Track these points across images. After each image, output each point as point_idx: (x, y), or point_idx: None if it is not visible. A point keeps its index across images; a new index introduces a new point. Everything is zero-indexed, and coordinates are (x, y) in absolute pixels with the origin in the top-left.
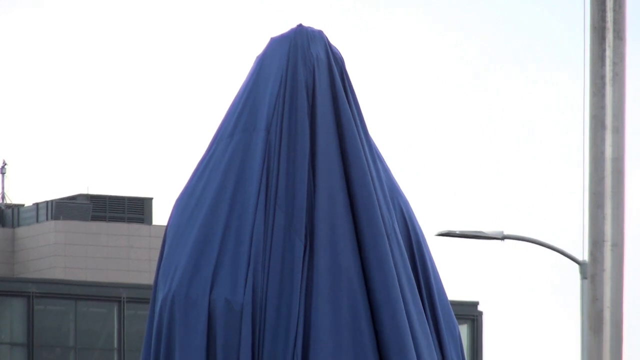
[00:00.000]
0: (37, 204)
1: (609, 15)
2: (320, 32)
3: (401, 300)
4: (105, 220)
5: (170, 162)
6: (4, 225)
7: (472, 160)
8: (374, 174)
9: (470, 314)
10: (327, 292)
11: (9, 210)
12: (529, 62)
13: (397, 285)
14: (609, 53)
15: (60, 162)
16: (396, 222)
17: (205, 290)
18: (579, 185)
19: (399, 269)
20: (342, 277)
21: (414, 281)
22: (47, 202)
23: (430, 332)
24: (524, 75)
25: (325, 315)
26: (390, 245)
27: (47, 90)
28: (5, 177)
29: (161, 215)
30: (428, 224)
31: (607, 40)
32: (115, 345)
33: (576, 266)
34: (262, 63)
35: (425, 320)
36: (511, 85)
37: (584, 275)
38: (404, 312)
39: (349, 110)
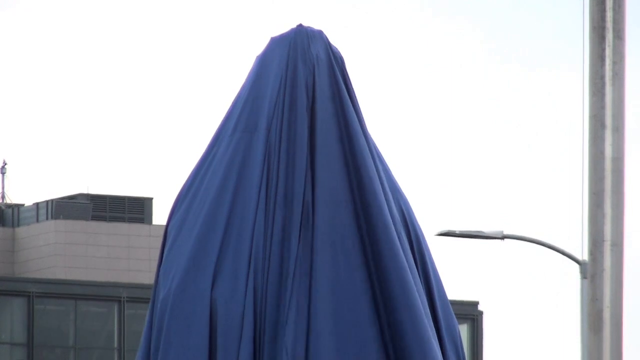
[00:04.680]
0: (37, 204)
1: (609, 15)
2: (320, 32)
3: (418, 297)
4: (105, 220)
5: (170, 162)
6: (4, 225)
7: (472, 160)
8: (377, 172)
9: (470, 313)
10: (329, 292)
11: (9, 210)
12: (529, 61)
13: (412, 281)
14: (608, 53)
15: (60, 162)
16: (400, 221)
17: (206, 289)
18: (579, 185)
19: (411, 265)
20: (343, 275)
21: (419, 279)
22: (47, 201)
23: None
24: (524, 75)
25: (327, 316)
26: (400, 242)
27: (47, 90)
28: (5, 176)
29: (161, 215)
30: (428, 224)
31: (606, 40)
32: (116, 345)
33: (576, 266)
34: (262, 63)
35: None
36: (511, 85)
37: (583, 275)
38: (422, 309)
39: (352, 109)
